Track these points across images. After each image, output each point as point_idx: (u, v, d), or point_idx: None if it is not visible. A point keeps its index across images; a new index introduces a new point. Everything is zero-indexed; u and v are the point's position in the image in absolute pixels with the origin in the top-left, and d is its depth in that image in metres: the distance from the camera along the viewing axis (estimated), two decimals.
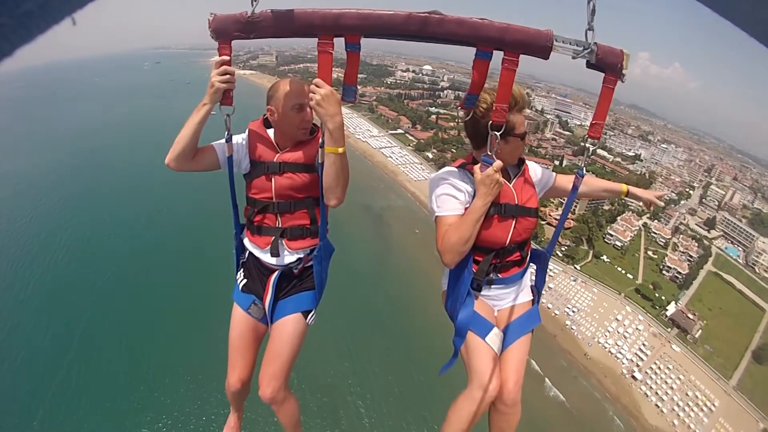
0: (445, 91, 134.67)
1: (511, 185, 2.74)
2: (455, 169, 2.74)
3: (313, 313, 3.12)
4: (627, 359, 49.73)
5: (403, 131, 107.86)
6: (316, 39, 2.27)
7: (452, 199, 2.65)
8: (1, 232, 55.44)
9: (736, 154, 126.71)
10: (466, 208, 2.59)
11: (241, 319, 3.13)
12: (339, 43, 2.31)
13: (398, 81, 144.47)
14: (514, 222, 2.69)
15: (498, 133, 2.43)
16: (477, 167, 2.55)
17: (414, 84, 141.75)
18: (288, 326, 3.02)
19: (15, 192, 65.96)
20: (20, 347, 37.97)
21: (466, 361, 2.75)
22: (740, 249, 75.69)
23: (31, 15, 0.49)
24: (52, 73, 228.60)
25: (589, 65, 2.27)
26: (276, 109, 2.80)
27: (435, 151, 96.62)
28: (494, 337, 2.71)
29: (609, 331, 53.41)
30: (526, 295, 2.99)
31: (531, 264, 3.03)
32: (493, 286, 2.84)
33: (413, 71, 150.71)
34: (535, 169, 2.94)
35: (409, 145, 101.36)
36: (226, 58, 2.43)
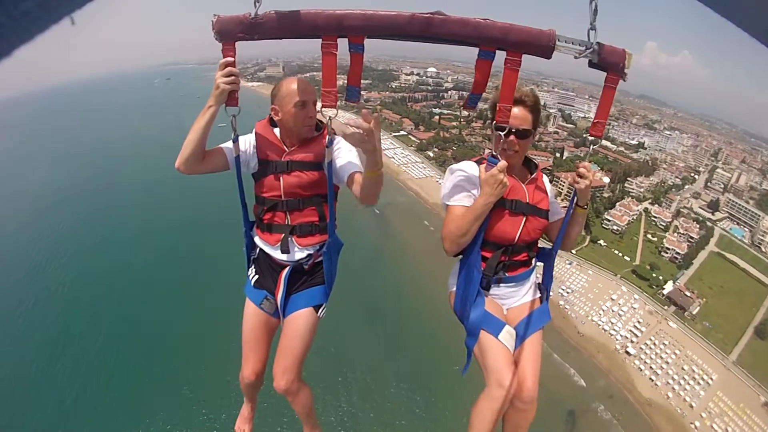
0: (449, 92, 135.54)
1: (524, 185, 2.82)
2: (473, 163, 2.80)
3: (323, 306, 3.23)
4: (621, 336, 50.48)
5: (405, 133, 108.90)
6: (320, 40, 2.31)
7: (463, 191, 2.75)
8: (36, 242, 58.63)
9: (749, 138, 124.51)
10: None
11: (254, 314, 3.25)
12: (342, 45, 2.35)
13: (402, 85, 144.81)
14: (524, 220, 2.77)
15: (502, 133, 2.50)
16: (482, 167, 2.62)
17: (418, 87, 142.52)
18: (300, 320, 3.12)
19: (36, 209, 68.66)
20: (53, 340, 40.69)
21: (481, 361, 2.78)
22: (746, 229, 75.44)
23: (29, 15, 0.49)
24: (64, 93, 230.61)
25: (591, 65, 2.32)
26: (280, 108, 2.88)
27: (436, 150, 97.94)
28: (507, 335, 2.74)
29: (603, 310, 54.06)
30: (534, 293, 3.03)
31: (538, 262, 3.09)
32: (501, 285, 2.90)
33: (417, 74, 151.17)
34: (549, 186, 3.04)
35: (411, 146, 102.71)
36: (231, 59, 2.48)
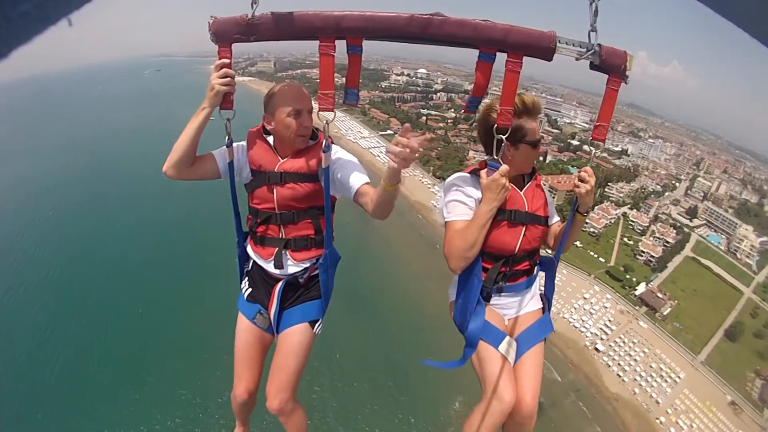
0: (438, 94, 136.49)
1: (521, 193, 2.73)
2: (467, 175, 2.73)
3: (320, 322, 3.08)
4: (591, 333, 51.29)
5: (392, 132, 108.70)
6: (317, 42, 2.27)
7: (461, 205, 2.64)
8: (26, 228, 58.67)
9: (733, 150, 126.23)
10: None
11: (247, 329, 3.10)
12: (338, 46, 2.30)
13: (392, 84, 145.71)
14: (524, 229, 2.69)
15: (504, 137, 2.42)
16: (483, 172, 2.55)
17: (408, 87, 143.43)
18: (294, 337, 2.98)
19: (28, 196, 68.47)
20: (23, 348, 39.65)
21: (479, 371, 2.71)
22: (723, 236, 76.58)
23: (27, 16, 0.49)
24: (57, 81, 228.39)
25: (592, 67, 2.28)
26: (273, 117, 2.74)
27: (421, 149, 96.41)
28: (507, 346, 2.69)
29: (575, 308, 54.77)
30: (535, 303, 2.97)
31: (540, 271, 3.02)
32: (502, 294, 2.81)
33: (408, 75, 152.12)
34: (547, 194, 2.96)
35: None
36: (227, 60, 2.42)
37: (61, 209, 64.70)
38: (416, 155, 2.24)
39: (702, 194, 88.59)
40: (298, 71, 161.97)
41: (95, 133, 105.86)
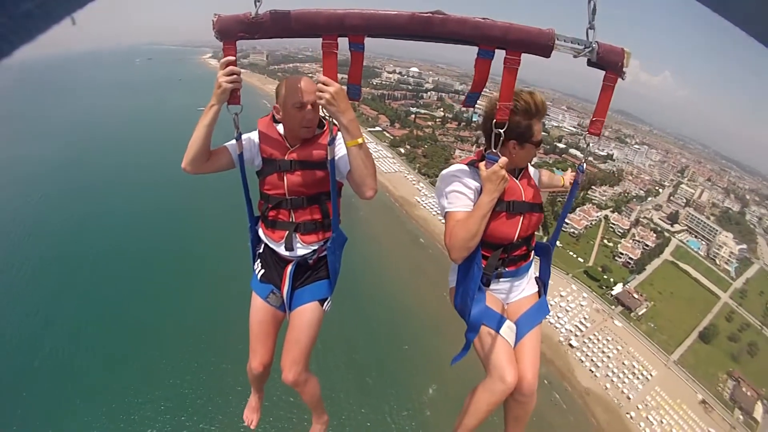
0: (429, 93, 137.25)
1: (517, 182, 2.82)
2: (465, 167, 2.79)
3: (328, 300, 3.27)
4: (566, 329, 51.79)
5: (381, 129, 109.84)
6: (318, 39, 2.30)
7: (462, 196, 2.70)
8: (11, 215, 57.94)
9: (720, 159, 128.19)
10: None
11: (261, 308, 3.30)
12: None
13: (384, 82, 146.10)
14: (521, 218, 2.77)
15: (502, 131, 2.46)
16: (482, 164, 2.60)
17: (399, 85, 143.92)
18: (306, 314, 3.17)
19: (14, 182, 67.66)
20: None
21: (482, 354, 2.81)
22: (703, 242, 77.68)
23: (30, 15, 0.49)
24: (45, 66, 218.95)
25: (590, 63, 2.32)
26: (281, 107, 2.88)
27: (408, 147, 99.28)
28: (508, 330, 2.79)
29: (551, 305, 53.95)
30: (532, 287, 3.06)
31: (536, 256, 3.11)
32: (501, 280, 2.91)
33: (399, 73, 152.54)
34: (534, 172, 3.09)
35: (385, 141, 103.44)
36: (232, 58, 2.50)
37: (50, 196, 64.06)
38: (332, 88, 2.38)
39: (684, 201, 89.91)
40: (291, 65, 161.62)
41: (82, 120, 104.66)
